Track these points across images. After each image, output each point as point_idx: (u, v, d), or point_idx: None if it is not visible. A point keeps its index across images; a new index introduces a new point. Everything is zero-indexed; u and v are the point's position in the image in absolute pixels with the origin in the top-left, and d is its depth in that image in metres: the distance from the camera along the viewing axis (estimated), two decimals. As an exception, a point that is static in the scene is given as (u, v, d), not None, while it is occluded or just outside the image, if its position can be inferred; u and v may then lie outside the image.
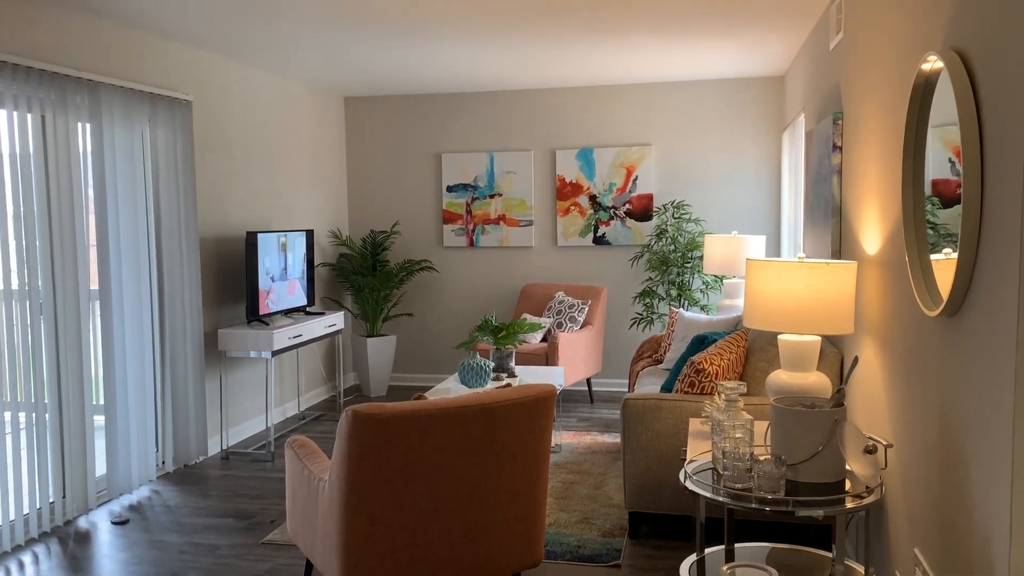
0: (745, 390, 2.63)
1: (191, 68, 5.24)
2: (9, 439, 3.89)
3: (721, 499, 2.39)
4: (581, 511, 4.29)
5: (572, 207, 7.06)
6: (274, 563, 3.75)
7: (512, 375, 4.78)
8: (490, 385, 4.57)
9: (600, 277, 7.09)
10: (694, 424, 3.52)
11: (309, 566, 3.33)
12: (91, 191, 4.39)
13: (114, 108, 4.43)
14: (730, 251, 5.77)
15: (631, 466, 3.88)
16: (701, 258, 6.52)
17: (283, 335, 5.33)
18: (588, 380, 6.72)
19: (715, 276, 6.51)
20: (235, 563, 3.74)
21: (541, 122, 7.11)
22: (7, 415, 3.90)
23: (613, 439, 5.63)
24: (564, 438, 5.68)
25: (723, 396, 2.60)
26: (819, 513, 2.29)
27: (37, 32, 4.02)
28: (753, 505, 2.33)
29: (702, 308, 6.51)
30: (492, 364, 4.92)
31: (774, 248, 6.71)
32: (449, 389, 4.66)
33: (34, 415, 4.03)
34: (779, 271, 2.86)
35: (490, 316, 5.01)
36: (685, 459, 2.98)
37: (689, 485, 2.51)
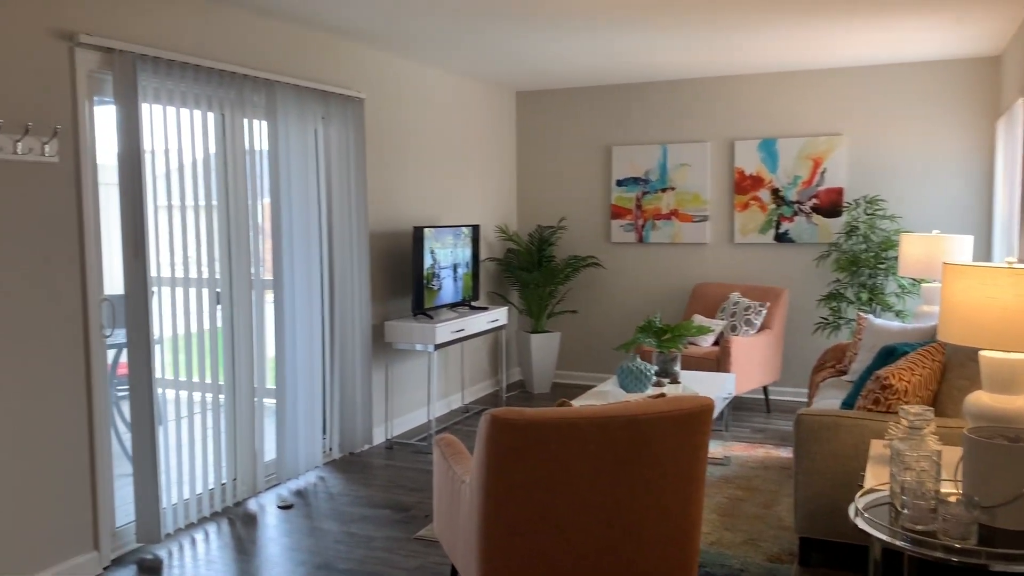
0: (932, 416, 2.26)
1: (364, 66, 5.35)
2: (185, 423, 4.10)
3: (898, 543, 2.06)
4: (747, 531, 3.98)
5: (751, 201, 6.63)
6: (424, 560, 3.72)
7: (675, 381, 4.52)
8: (650, 391, 4.33)
9: (781, 277, 6.62)
10: (876, 447, 3.13)
11: (455, 570, 3.27)
12: (267, 186, 4.56)
13: (289, 106, 4.58)
14: (930, 252, 5.19)
15: (803, 487, 3.53)
16: (897, 259, 5.93)
17: (446, 329, 5.34)
18: (765, 388, 6.30)
19: (912, 279, 5.90)
20: (387, 557, 3.75)
21: (719, 112, 6.73)
22: (183, 394, 4.12)
23: (789, 454, 5.22)
24: (734, 449, 5.33)
25: (906, 422, 2.26)
26: (1021, 570, 1.91)
27: (216, 34, 4.21)
28: (938, 554, 1.99)
29: (897, 314, 5.92)
30: (655, 368, 4.67)
31: (984, 250, 5.98)
32: (607, 392, 4.47)
33: (208, 397, 4.24)
34: (982, 277, 2.46)
35: (654, 317, 4.76)
36: (863, 486, 2.64)
37: (860, 523, 2.19)
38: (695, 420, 2.75)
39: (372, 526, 4.12)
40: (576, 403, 4.11)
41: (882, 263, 5.92)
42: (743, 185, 6.65)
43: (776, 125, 6.57)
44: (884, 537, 2.09)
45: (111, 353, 4.86)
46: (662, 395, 2.97)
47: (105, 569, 3.64)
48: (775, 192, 6.56)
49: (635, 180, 6.99)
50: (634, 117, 6.99)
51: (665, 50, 5.59)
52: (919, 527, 2.07)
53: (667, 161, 6.88)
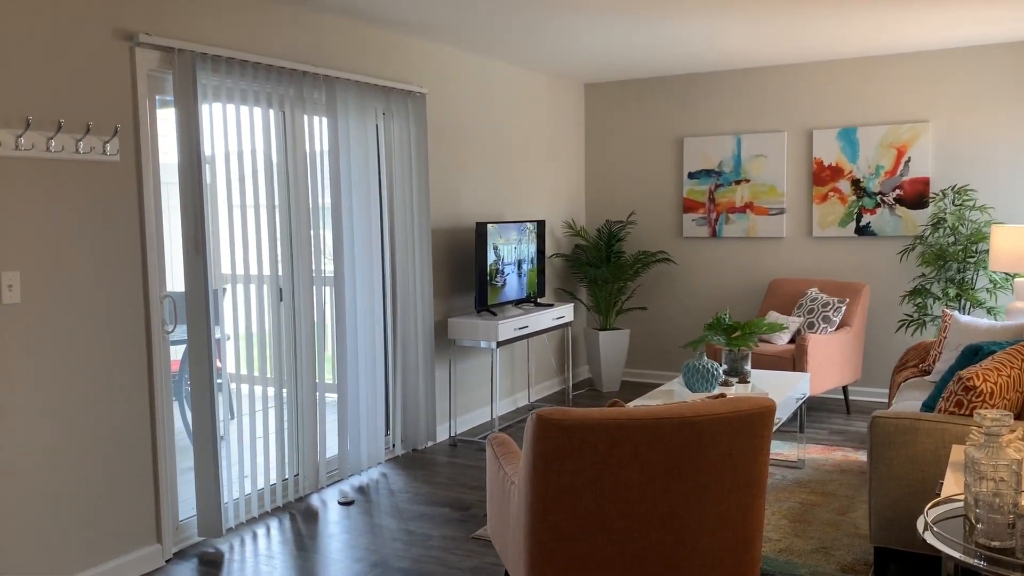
0: (1012, 421, 2.07)
1: (426, 61, 5.31)
2: (247, 420, 4.14)
3: (971, 561, 1.88)
4: (819, 539, 3.78)
5: (831, 193, 6.35)
6: (480, 560, 3.66)
7: (744, 380, 4.34)
8: (717, 391, 4.17)
9: (862, 272, 6.32)
10: (957, 452, 2.91)
11: (507, 574, 3.19)
12: (327, 182, 4.56)
13: (349, 102, 4.57)
14: (1024, 244, 4.85)
15: (878, 494, 3.33)
16: (987, 252, 5.58)
17: (508, 326, 5.27)
18: (844, 388, 6.02)
19: (1005, 274, 5.54)
20: (443, 556, 3.70)
21: (796, 100, 6.46)
22: (244, 388, 4.16)
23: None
24: (810, 452, 5.10)
25: (982, 428, 2.07)
26: (1113, 595, 1.72)
27: (275, 31, 4.23)
28: (1015, 574, 1.81)
29: (988, 311, 5.57)
30: (723, 367, 4.50)
31: (1086, 241, 5.56)
32: (672, 391, 4.32)
33: (271, 392, 4.27)
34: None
35: (723, 313, 4.58)
36: (940, 494, 2.45)
37: (929, 538, 2.01)
38: (755, 422, 2.60)
39: (431, 524, 4.08)
40: (636, 403, 3.98)
41: (971, 257, 5.58)
42: (822, 176, 6.37)
43: (856, 113, 6.26)
44: (955, 554, 1.92)
45: (183, 348, 4.95)
46: (722, 395, 2.82)
47: (167, 562, 3.70)
48: (856, 183, 6.26)
49: (708, 172, 6.78)
50: (707, 107, 6.78)
51: (739, 36, 5.38)
52: (994, 543, 1.89)
53: (741, 152, 6.64)
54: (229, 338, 4.21)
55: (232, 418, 4.07)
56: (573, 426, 2.48)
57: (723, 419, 2.55)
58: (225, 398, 4.05)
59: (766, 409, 2.61)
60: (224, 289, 4.34)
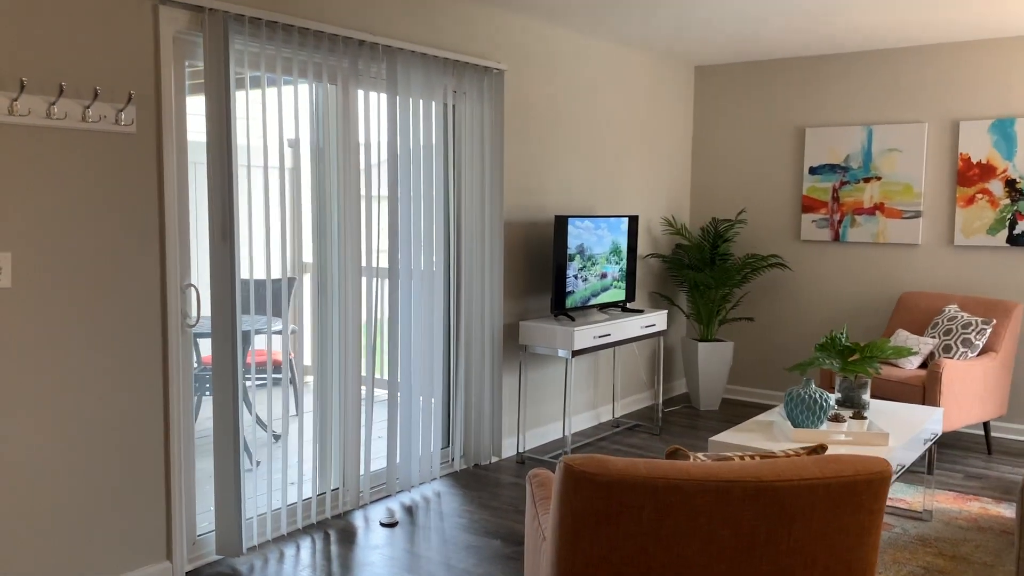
0: None
1: (506, 34, 4.77)
2: (279, 424, 3.73)
3: None
4: (946, 620, 3.04)
5: (979, 195, 5.43)
6: (524, 612, 3.11)
7: (860, 415, 3.59)
8: (824, 427, 3.45)
9: (1013, 289, 5.38)
10: None
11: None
12: (384, 166, 4.10)
13: (413, 77, 4.09)
14: None
15: (1029, 579, 2.57)
16: None
17: (587, 334, 4.67)
18: (986, 424, 5.12)
19: None
20: (483, 601, 3.17)
21: (940, 87, 5.56)
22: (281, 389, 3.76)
23: (1013, 512, 4.11)
24: (939, 500, 4.28)
25: None
26: None
27: (333, -5, 3.78)
28: None
29: None
30: (835, 396, 3.77)
31: None
32: (772, 424, 3.63)
33: (310, 395, 3.85)
34: None
35: (839, 332, 3.85)
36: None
37: None
38: (861, 492, 1.94)
39: (475, 559, 3.56)
40: (724, 437, 3.32)
41: None
42: (969, 175, 5.46)
43: (1015, 102, 5.32)
44: None
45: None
46: (821, 447, 2.17)
47: (177, 582, 3.32)
48: (1011, 184, 5.32)
49: (832, 168, 5.96)
50: (833, 94, 5.95)
51: (874, 10, 4.59)
52: None
53: (872, 146, 5.79)
54: (294, 331, 3.82)
55: (294, 415, 3.66)
56: (611, 484, 1.89)
57: (816, 486, 1.90)
58: (297, 395, 3.62)
59: (878, 476, 1.94)
60: (293, 278, 3.95)
